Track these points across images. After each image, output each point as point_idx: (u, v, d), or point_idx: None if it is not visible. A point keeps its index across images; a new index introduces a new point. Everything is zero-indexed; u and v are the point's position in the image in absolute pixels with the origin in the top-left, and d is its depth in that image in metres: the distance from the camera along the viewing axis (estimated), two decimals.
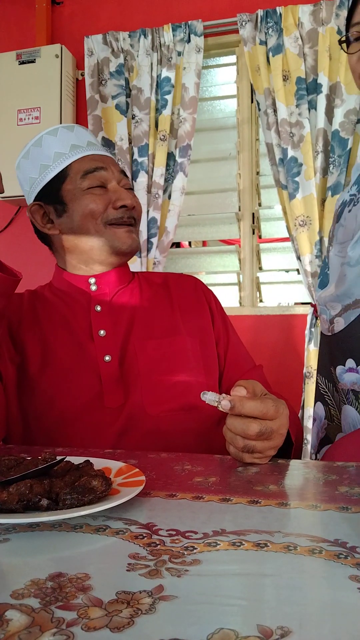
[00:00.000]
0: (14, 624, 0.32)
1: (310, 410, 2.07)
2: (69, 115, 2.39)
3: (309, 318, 2.14)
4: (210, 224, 2.46)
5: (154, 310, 0.97)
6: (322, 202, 2.10)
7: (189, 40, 2.27)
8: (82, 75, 2.45)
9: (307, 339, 2.12)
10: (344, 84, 2.04)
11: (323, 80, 2.07)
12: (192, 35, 2.27)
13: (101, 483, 0.52)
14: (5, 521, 0.46)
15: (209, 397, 0.67)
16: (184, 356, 0.92)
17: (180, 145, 2.26)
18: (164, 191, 2.28)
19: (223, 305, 1.06)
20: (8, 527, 0.48)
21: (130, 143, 2.31)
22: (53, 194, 0.95)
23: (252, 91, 2.24)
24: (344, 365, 1.03)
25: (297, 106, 2.11)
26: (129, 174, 2.29)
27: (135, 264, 2.23)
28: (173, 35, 2.27)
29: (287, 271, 2.49)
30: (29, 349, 0.91)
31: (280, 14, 2.13)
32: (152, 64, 2.27)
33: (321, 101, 2.08)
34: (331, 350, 1.07)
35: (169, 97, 2.25)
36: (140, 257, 2.25)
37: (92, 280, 0.96)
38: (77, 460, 0.62)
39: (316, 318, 2.13)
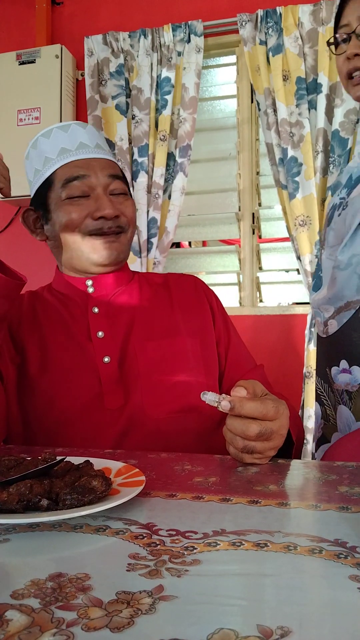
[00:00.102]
0: (14, 624, 0.32)
1: (310, 410, 2.07)
2: (69, 115, 2.39)
3: (308, 318, 2.14)
4: (210, 224, 2.46)
5: (153, 311, 0.96)
6: (322, 202, 2.10)
7: (189, 41, 2.27)
8: (82, 75, 2.45)
9: (306, 339, 2.12)
10: None
11: (323, 80, 2.07)
12: (192, 35, 2.27)
13: (101, 483, 0.52)
14: (5, 521, 0.46)
15: (209, 398, 0.67)
16: (184, 357, 0.92)
17: (180, 145, 2.26)
18: (164, 191, 2.28)
19: (223, 305, 1.06)
20: (8, 528, 0.48)
21: (130, 143, 2.31)
22: (41, 200, 0.95)
23: (252, 91, 2.24)
24: (338, 366, 1.05)
25: (297, 106, 2.11)
26: (128, 174, 2.29)
27: (135, 264, 2.23)
28: (173, 36, 2.27)
29: (287, 271, 2.49)
30: (29, 349, 0.91)
31: (280, 13, 2.13)
32: (152, 64, 2.27)
33: (321, 101, 2.08)
34: (326, 351, 1.10)
35: (169, 97, 2.25)
36: (140, 257, 2.25)
37: (89, 283, 0.95)
38: (77, 460, 0.62)
39: None
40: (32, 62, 2.38)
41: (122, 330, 0.93)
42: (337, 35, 1.05)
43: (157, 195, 2.24)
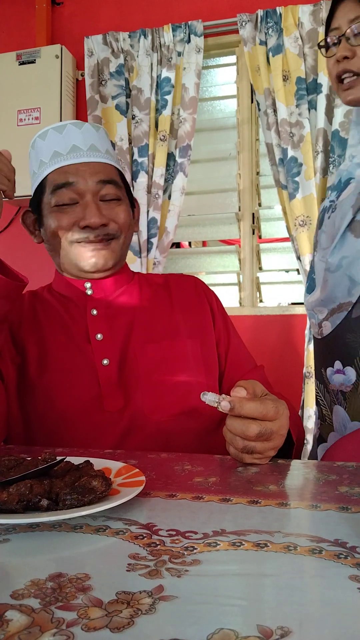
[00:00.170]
0: (14, 625, 0.32)
1: (310, 410, 2.07)
2: (69, 115, 2.39)
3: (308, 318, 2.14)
4: (210, 224, 2.46)
5: (153, 312, 0.96)
6: (322, 202, 2.10)
7: (189, 41, 2.27)
8: (82, 75, 2.45)
9: (307, 339, 2.12)
10: None
11: (323, 80, 2.07)
12: (192, 36, 2.27)
13: (101, 483, 0.52)
14: (5, 521, 0.46)
15: (209, 398, 0.67)
16: (185, 359, 0.91)
17: (180, 145, 2.26)
18: (164, 191, 2.28)
19: (223, 305, 1.06)
20: (8, 528, 0.48)
21: (130, 143, 2.31)
22: (36, 204, 0.95)
23: (252, 91, 2.24)
24: (333, 367, 1.07)
25: (297, 106, 2.11)
26: (128, 174, 2.29)
27: (135, 264, 2.23)
28: (173, 36, 2.27)
29: (287, 271, 2.49)
30: (29, 349, 0.91)
31: (280, 14, 2.13)
32: (152, 64, 2.28)
33: (321, 101, 2.08)
34: (321, 352, 1.12)
35: (169, 98, 2.25)
36: (140, 257, 2.25)
37: (88, 285, 0.95)
38: (77, 460, 0.62)
39: None
40: (32, 62, 2.38)
41: (122, 332, 0.92)
42: (327, 39, 1.06)
43: (157, 196, 2.24)
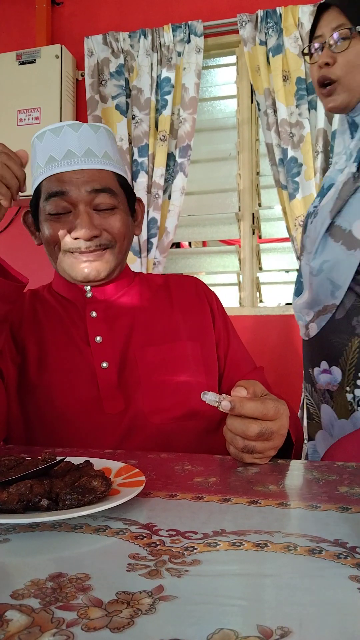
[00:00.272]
0: (14, 624, 0.32)
1: None
2: (69, 115, 2.39)
3: None
4: (210, 224, 2.46)
5: (153, 314, 0.96)
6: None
7: (189, 41, 2.27)
8: (82, 75, 2.45)
9: None
10: None
11: None
12: (192, 36, 2.27)
13: (101, 483, 0.52)
14: (5, 521, 0.46)
15: (209, 398, 0.67)
16: (185, 361, 0.91)
17: (180, 145, 2.26)
18: (164, 191, 2.28)
19: (223, 305, 1.06)
20: (8, 528, 0.48)
21: (130, 143, 2.32)
22: (34, 208, 0.94)
23: (252, 91, 2.24)
24: (320, 367, 1.12)
25: (297, 106, 2.11)
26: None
27: (135, 264, 2.23)
28: (173, 36, 2.27)
29: (287, 271, 2.49)
30: (29, 349, 0.91)
31: (280, 14, 2.13)
32: (152, 64, 2.28)
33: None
34: (308, 353, 1.16)
35: (169, 98, 2.25)
36: (140, 257, 2.25)
37: (87, 288, 0.94)
38: (77, 460, 0.62)
39: None
40: (32, 62, 2.38)
41: (122, 335, 0.92)
42: (311, 45, 1.10)
43: (157, 196, 2.24)
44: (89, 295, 0.94)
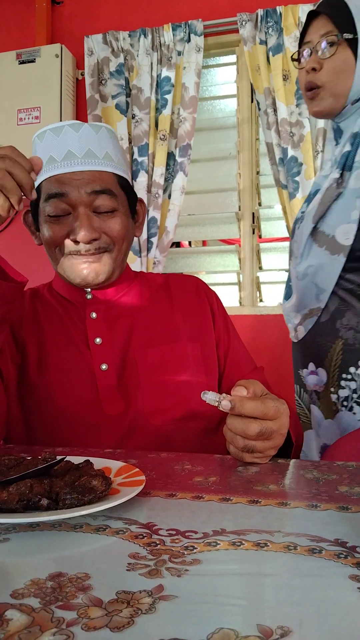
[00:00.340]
0: (14, 624, 0.32)
1: None
2: (69, 115, 2.39)
3: None
4: (210, 224, 2.46)
5: (154, 314, 0.95)
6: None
7: (189, 40, 2.27)
8: (82, 74, 2.45)
9: None
10: None
11: None
12: (192, 35, 2.27)
13: (101, 483, 0.52)
14: (5, 521, 0.46)
15: (209, 397, 0.67)
16: (185, 362, 0.91)
17: (180, 144, 2.26)
18: (164, 191, 2.28)
19: (223, 305, 1.06)
20: (8, 527, 0.48)
21: (130, 143, 2.31)
22: (34, 207, 0.92)
23: (252, 91, 2.24)
24: (308, 369, 1.16)
25: (297, 106, 2.11)
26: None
27: (135, 264, 2.23)
28: (173, 35, 2.27)
29: (287, 271, 2.48)
30: (29, 349, 0.91)
31: (280, 13, 2.13)
32: (152, 63, 2.27)
33: None
34: (298, 355, 1.21)
35: (169, 97, 2.25)
36: (140, 256, 2.25)
37: (88, 289, 0.94)
38: (77, 460, 0.62)
39: None
40: (32, 61, 2.38)
41: (122, 336, 0.92)
42: (300, 50, 1.14)
43: (157, 195, 2.24)
44: (89, 296, 0.93)
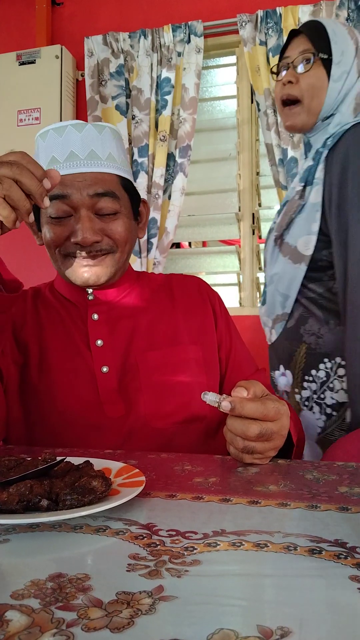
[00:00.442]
0: (14, 625, 0.32)
1: None
2: (69, 115, 2.39)
3: None
4: (210, 225, 2.46)
5: (155, 316, 0.95)
6: None
7: (189, 41, 2.27)
8: (82, 75, 2.45)
9: None
10: None
11: None
12: (192, 36, 2.27)
13: (101, 483, 0.52)
14: (5, 522, 0.46)
15: (210, 398, 0.67)
16: (186, 365, 0.90)
17: (180, 145, 2.26)
18: (164, 191, 2.28)
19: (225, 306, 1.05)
20: (8, 528, 0.48)
21: (130, 144, 2.32)
22: (36, 206, 0.89)
23: (252, 92, 2.24)
24: (279, 370, 1.25)
25: None
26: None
27: (135, 264, 2.23)
28: (173, 36, 2.27)
29: None
30: (30, 349, 0.91)
31: (280, 14, 2.13)
32: (152, 64, 2.28)
33: None
34: (271, 357, 1.28)
35: (169, 98, 2.25)
36: (140, 257, 2.25)
37: (89, 290, 0.93)
38: (77, 460, 0.62)
39: None
40: (32, 62, 2.38)
41: (123, 339, 0.91)
42: (280, 64, 1.24)
43: (157, 196, 2.24)
44: (90, 297, 0.93)
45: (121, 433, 0.85)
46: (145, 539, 0.45)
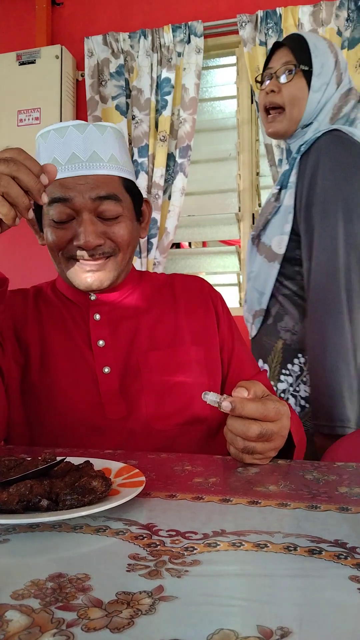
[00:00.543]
0: (14, 625, 0.32)
1: None
2: (69, 116, 2.39)
3: None
4: (210, 225, 2.46)
5: (157, 316, 0.94)
6: None
7: (189, 41, 2.27)
8: (82, 76, 2.45)
9: None
10: None
11: None
12: (192, 36, 2.27)
13: (101, 483, 0.52)
14: (5, 522, 0.46)
15: (210, 398, 0.67)
16: (188, 366, 0.90)
17: (180, 145, 2.26)
18: (164, 192, 2.28)
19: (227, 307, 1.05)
20: (8, 528, 0.48)
21: (130, 144, 2.32)
22: (37, 207, 0.90)
23: (252, 92, 2.24)
24: (259, 364, 1.31)
25: None
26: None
27: (135, 264, 2.23)
28: (173, 36, 2.27)
29: None
30: (32, 349, 0.91)
31: (280, 14, 2.13)
32: (152, 64, 2.28)
33: None
34: (253, 352, 1.33)
35: (169, 98, 2.25)
36: (140, 257, 2.25)
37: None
38: (77, 460, 0.62)
39: None
40: (32, 62, 2.38)
41: (125, 339, 0.91)
42: (264, 73, 1.32)
43: (157, 196, 2.24)
44: (92, 297, 0.93)
45: (122, 434, 0.85)
46: (145, 539, 0.45)
